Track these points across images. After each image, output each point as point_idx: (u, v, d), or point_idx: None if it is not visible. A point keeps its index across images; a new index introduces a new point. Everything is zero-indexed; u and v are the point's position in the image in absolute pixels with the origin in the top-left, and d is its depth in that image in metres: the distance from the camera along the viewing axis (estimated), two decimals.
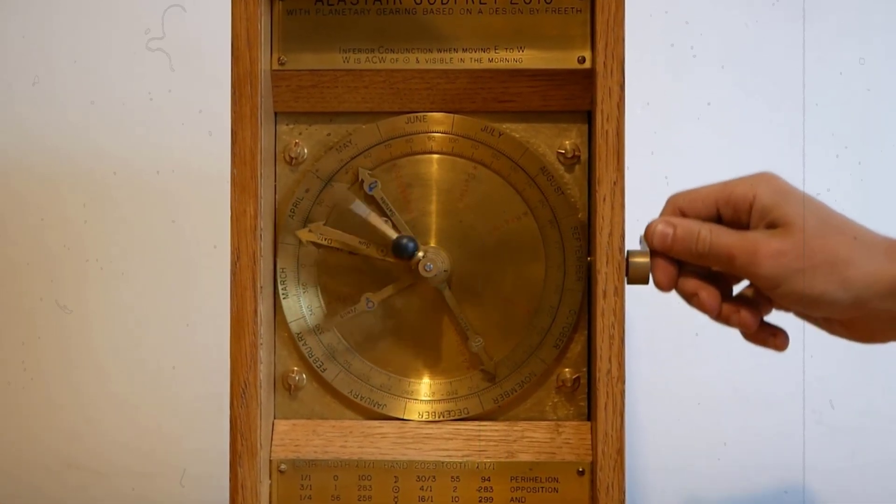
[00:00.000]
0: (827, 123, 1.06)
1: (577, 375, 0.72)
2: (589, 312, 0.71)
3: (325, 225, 0.71)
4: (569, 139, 0.71)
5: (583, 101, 0.70)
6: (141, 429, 1.09)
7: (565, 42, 0.70)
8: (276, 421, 0.72)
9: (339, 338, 0.72)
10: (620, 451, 0.66)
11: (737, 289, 0.70)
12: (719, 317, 0.66)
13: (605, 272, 0.66)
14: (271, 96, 0.70)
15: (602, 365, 0.66)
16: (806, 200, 0.63)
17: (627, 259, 0.66)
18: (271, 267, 0.71)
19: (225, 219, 0.68)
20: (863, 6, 1.05)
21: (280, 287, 0.72)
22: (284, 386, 0.73)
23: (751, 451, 1.04)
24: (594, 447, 0.68)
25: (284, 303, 0.72)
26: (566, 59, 0.70)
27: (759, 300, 0.67)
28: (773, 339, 0.67)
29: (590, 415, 0.71)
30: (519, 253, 0.72)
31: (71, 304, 1.09)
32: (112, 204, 1.09)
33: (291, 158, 0.72)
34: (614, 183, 0.66)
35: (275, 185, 0.72)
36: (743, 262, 0.63)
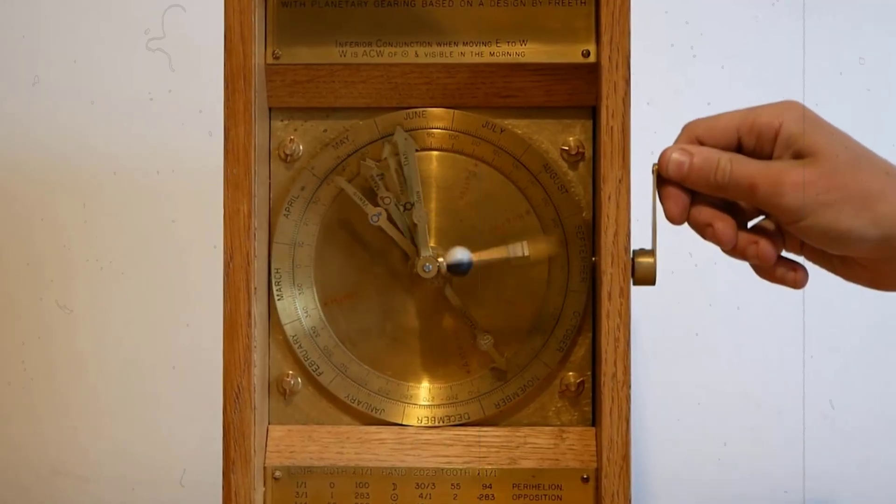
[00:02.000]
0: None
1: (581, 379, 0.71)
2: (593, 314, 0.70)
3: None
4: (573, 135, 0.70)
5: (587, 96, 0.69)
6: (131, 435, 1.09)
7: (569, 35, 0.68)
8: (270, 426, 0.71)
9: (336, 341, 0.71)
10: (626, 458, 0.65)
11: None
12: (735, 250, 0.63)
13: (610, 273, 0.65)
14: (265, 91, 0.69)
15: (607, 368, 0.65)
16: (835, 131, 0.60)
17: (633, 259, 0.65)
18: (266, 267, 0.70)
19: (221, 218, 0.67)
20: (864, 3, 1.05)
21: (275, 288, 0.71)
22: (279, 390, 0.71)
23: (760, 456, 1.04)
24: (599, 453, 0.67)
25: (279, 304, 0.71)
26: (570, 53, 0.68)
27: (776, 234, 0.64)
28: (793, 273, 0.64)
29: (594, 420, 0.70)
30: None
31: (63, 308, 1.09)
32: (111, 204, 1.09)
33: (287, 155, 0.71)
34: (620, 181, 0.65)
35: (269, 183, 0.71)
36: (766, 192, 0.60)
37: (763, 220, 0.66)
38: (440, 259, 0.69)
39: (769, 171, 0.60)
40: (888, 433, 1.06)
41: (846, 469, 1.05)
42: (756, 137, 0.62)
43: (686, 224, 0.65)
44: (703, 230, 0.64)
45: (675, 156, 0.63)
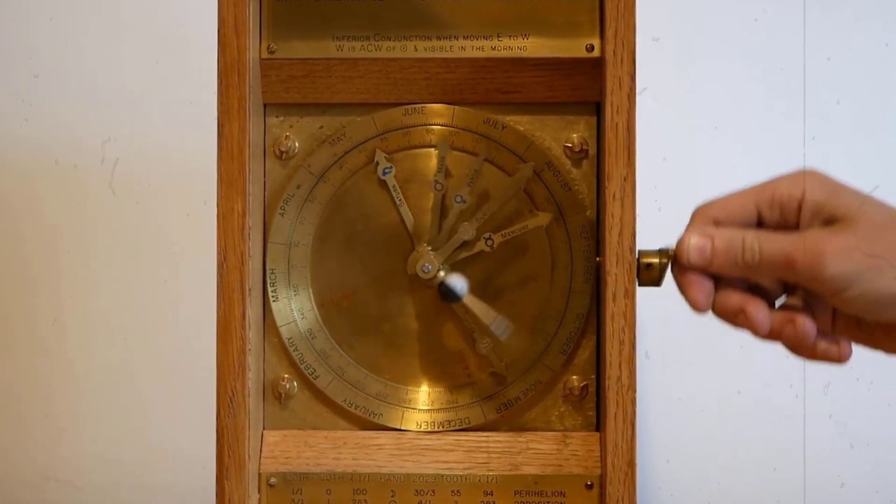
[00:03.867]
0: (845, 117, 1.05)
1: (585, 383, 0.70)
2: (597, 316, 0.69)
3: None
4: (576, 132, 0.70)
5: (591, 91, 0.68)
6: (123, 440, 1.09)
7: (572, 29, 0.68)
8: (265, 431, 0.70)
9: (333, 343, 0.71)
10: (631, 464, 0.65)
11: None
12: (770, 332, 0.59)
13: (614, 273, 0.64)
14: (260, 87, 0.69)
15: (612, 372, 0.64)
16: (861, 193, 0.58)
17: (638, 259, 0.64)
18: (260, 268, 0.69)
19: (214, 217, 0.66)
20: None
21: (270, 289, 0.70)
22: (274, 394, 0.71)
23: (766, 461, 1.03)
24: (603, 459, 0.66)
25: (274, 306, 0.70)
26: (573, 48, 0.68)
27: (809, 310, 0.60)
28: (836, 347, 0.60)
29: (598, 425, 0.70)
30: (523, 253, 0.70)
31: (52, 309, 1.08)
32: (102, 205, 1.08)
33: (282, 153, 0.70)
34: (624, 179, 0.64)
35: (264, 182, 0.70)
36: (805, 265, 0.56)
37: (788, 298, 0.62)
38: (441, 273, 0.68)
39: (805, 242, 0.56)
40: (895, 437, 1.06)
41: (850, 473, 1.05)
42: (779, 210, 0.59)
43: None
44: (735, 317, 0.60)
45: (695, 241, 0.59)
